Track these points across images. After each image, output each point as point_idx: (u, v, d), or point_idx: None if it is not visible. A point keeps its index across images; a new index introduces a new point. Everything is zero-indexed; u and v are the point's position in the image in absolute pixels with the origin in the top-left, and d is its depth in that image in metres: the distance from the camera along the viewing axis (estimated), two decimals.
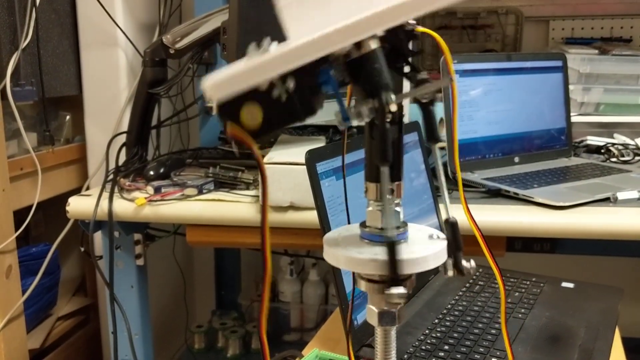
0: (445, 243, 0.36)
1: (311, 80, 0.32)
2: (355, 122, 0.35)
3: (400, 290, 0.33)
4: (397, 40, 0.35)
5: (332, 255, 0.35)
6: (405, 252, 0.35)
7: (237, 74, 0.30)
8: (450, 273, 0.36)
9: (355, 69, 0.34)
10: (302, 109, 0.34)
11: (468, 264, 0.36)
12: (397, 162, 0.36)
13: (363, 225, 0.38)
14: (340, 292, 0.74)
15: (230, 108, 0.31)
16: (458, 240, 0.35)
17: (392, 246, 0.34)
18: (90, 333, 1.70)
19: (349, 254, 0.35)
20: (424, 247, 0.35)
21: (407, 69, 0.36)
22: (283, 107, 0.34)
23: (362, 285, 0.38)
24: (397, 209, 0.37)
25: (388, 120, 0.33)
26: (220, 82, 0.30)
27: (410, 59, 0.36)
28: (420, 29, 0.37)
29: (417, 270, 0.35)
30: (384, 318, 0.38)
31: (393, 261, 0.33)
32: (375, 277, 0.37)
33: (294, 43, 0.29)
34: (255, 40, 1.04)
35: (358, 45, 0.33)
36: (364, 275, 0.37)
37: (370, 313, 0.39)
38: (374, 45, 0.33)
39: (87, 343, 1.68)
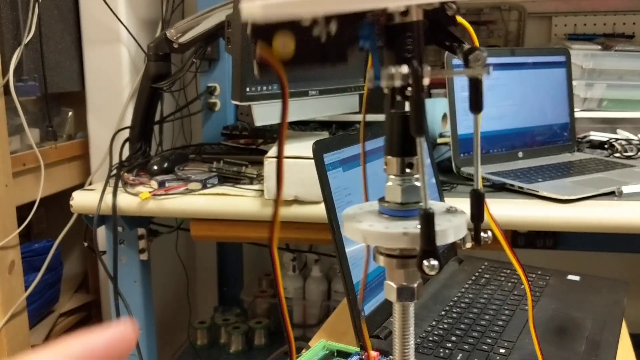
0: (465, 216, 0.36)
1: (353, 29, 0.31)
2: (384, 84, 0.34)
3: (435, 262, 0.33)
4: (437, 20, 0.35)
5: (357, 231, 0.35)
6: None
7: (290, 1, 0.29)
8: (469, 245, 0.36)
9: (394, 35, 0.34)
10: (336, 54, 0.34)
11: (485, 234, 0.36)
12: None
13: (383, 200, 0.37)
14: (347, 280, 0.73)
15: (265, 31, 0.30)
16: (482, 211, 0.35)
17: (430, 218, 0.34)
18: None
19: (376, 228, 0.35)
20: (446, 220, 0.35)
21: (448, 42, 0.36)
22: (318, 46, 0.33)
23: (381, 261, 0.37)
24: (417, 183, 0.37)
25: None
26: (270, 3, 0.29)
27: (453, 33, 0.36)
28: (460, 19, 0.37)
29: (443, 243, 0.35)
30: (402, 293, 0.38)
31: (431, 233, 0.33)
32: (395, 252, 0.36)
33: None
34: None
35: (404, 12, 0.33)
36: (383, 251, 0.37)
37: (388, 289, 0.38)
38: (419, 16, 0.33)
39: None
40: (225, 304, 1.92)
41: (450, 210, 0.37)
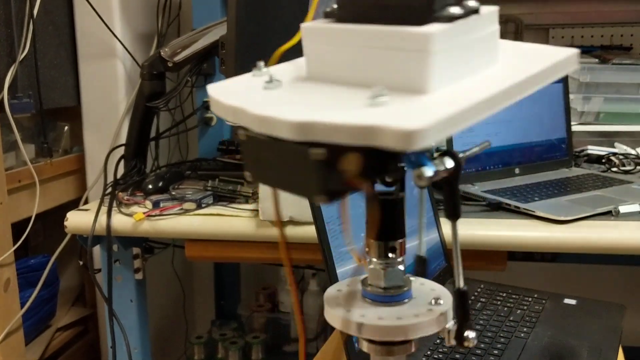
0: (445, 310, 0.35)
1: None
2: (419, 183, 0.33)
3: (473, 334, 0.33)
4: None
5: (349, 323, 0.34)
6: (407, 316, 0.34)
7: (447, 118, 0.27)
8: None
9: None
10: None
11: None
12: (400, 220, 0.35)
13: (365, 283, 0.37)
14: None
15: (334, 153, 0.29)
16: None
17: (464, 295, 0.33)
18: (90, 344, 1.69)
19: (370, 321, 0.34)
20: (422, 312, 0.34)
21: None
22: (381, 161, 0.31)
23: (364, 347, 0.37)
24: (401, 267, 0.36)
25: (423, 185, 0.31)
26: (429, 127, 0.26)
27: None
28: None
29: (416, 336, 0.34)
30: None
31: (466, 309, 0.33)
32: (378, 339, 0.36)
33: (492, 89, 0.28)
34: (253, 54, 1.03)
35: None
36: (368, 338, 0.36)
37: None
38: None
39: (86, 354, 1.68)
40: (223, 319, 1.91)
41: (434, 303, 0.36)
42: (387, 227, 0.34)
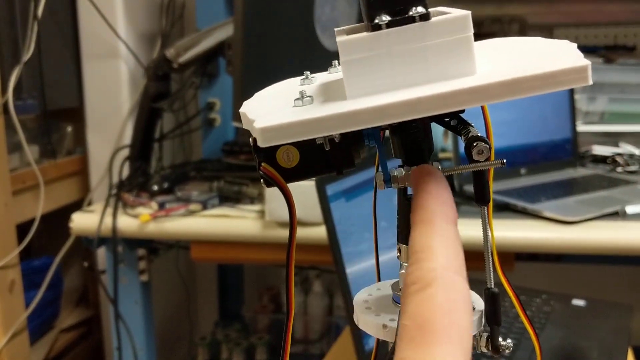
0: (478, 314, 0.34)
1: (356, 131, 0.31)
2: (395, 187, 0.34)
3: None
4: None
5: (378, 327, 0.34)
6: None
7: (290, 125, 0.28)
8: (485, 349, 0.34)
9: (399, 125, 0.33)
10: (342, 161, 0.33)
11: (505, 342, 0.34)
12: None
13: (397, 287, 0.36)
14: (351, 315, 0.73)
15: (268, 147, 0.30)
16: (497, 314, 0.34)
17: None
18: (94, 345, 1.69)
19: (380, 320, 0.34)
20: None
21: (454, 122, 0.34)
22: (322, 155, 0.33)
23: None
24: None
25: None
26: (272, 128, 0.28)
27: (460, 114, 0.34)
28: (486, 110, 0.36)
29: None
30: None
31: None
32: None
33: (354, 106, 0.28)
34: (260, 55, 1.02)
35: None
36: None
37: None
38: None
39: (90, 355, 1.67)
40: (226, 320, 1.91)
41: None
42: None
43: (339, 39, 0.29)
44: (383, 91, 0.29)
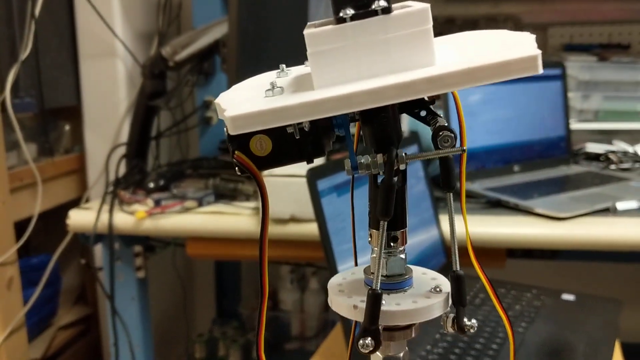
0: (444, 296, 0.36)
1: (326, 121, 0.32)
2: (362, 173, 0.35)
3: (371, 341, 0.34)
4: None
5: (348, 307, 0.35)
6: (407, 302, 0.35)
7: (258, 113, 0.30)
8: (450, 329, 0.36)
9: (368, 115, 0.34)
10: (313, 149, 0.35)
11: (470, 322, 0.35)
12: (401, 210, 0.36)
13: (368, 271, 0.38)
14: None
15: (241, 135, 0.32)
16: (463, 296, 0.35)
17: (377, 298, 0.34)
18: (91, 342, 1.69)
19: (352, 302, 0.35)
20: (411, 301, 0.35)
21: (423, 113, 0.36)
22: (294, 144, 0.35)
23: None
24: (402, 256, 0.37)
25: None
26: (241, 117, 0.30)
27: (429, 106, 0.36)
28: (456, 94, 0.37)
29: (415, 321, 0.35)
30: None
31: (375, 313, 0.34)
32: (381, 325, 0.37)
33: (320, 95, 0.29)
34: (255, 53, 1.03)
35: None
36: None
37: (374, 359, 0.39)
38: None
39: (88, 352, 1.68)
40: (224, 317, 1.92)
41: (434, 290, 0.37)
42: (390, 218, 0.35)
43: (306, 31, 0.31)
44: (349, 81, 0.30)
